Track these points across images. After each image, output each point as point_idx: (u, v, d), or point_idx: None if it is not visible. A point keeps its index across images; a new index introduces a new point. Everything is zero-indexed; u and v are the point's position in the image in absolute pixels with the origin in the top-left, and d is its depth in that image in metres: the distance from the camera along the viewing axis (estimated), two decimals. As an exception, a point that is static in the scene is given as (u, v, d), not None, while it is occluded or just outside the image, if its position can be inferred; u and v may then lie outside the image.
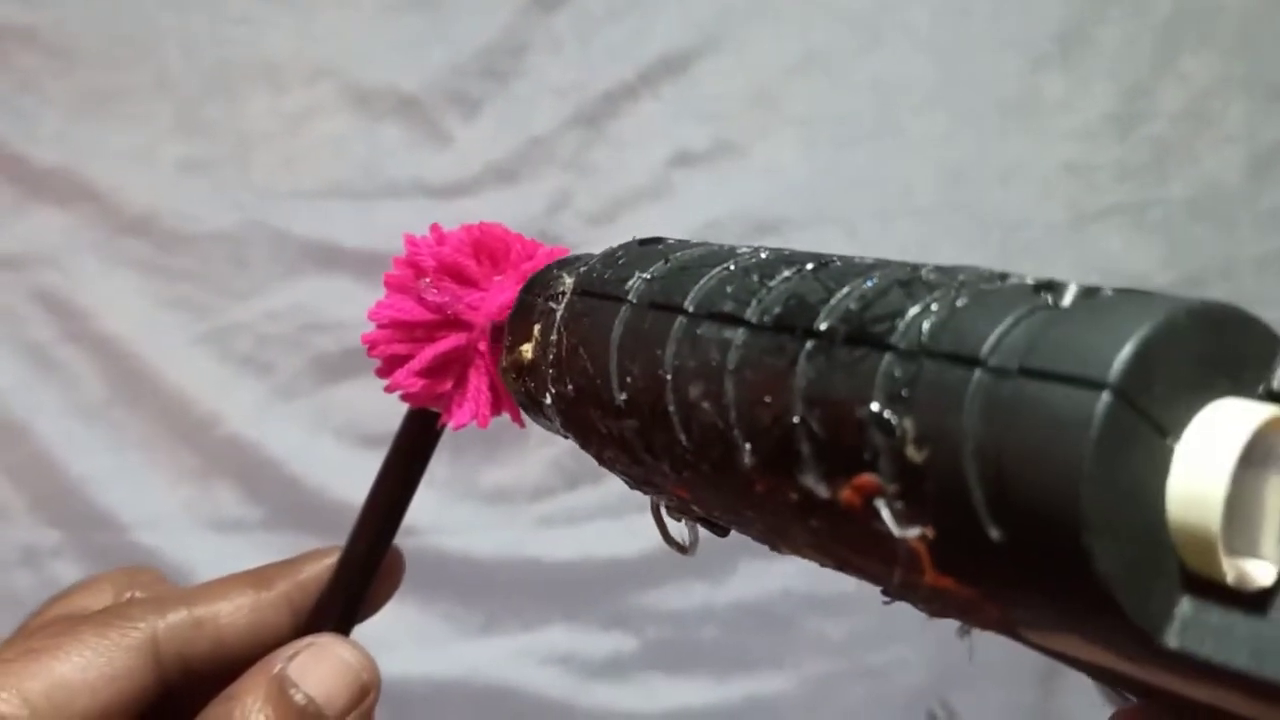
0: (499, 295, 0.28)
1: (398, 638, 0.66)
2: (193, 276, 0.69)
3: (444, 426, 0.28)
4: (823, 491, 0.18)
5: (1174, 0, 0.70)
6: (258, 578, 0.33)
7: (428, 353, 0.27)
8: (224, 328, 0.69)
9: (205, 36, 0.71)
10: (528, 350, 0.25)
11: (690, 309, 0.21)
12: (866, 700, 0.66)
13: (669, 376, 0.21)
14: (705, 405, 0.20)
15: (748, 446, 0.19)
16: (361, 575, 0.31)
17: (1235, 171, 0.69)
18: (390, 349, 0.28)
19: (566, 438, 0.26)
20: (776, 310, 0.19)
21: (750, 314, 0.20)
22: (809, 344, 0.18)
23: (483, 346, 0.27)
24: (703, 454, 0.20)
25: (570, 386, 0.24)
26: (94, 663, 0.29)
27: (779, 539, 0.21)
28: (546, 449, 0.68)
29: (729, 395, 0.19)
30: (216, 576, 0.67)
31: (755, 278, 0.20)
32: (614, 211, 0.70)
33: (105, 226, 0.70)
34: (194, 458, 0.68)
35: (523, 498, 0.68)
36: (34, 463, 0.67)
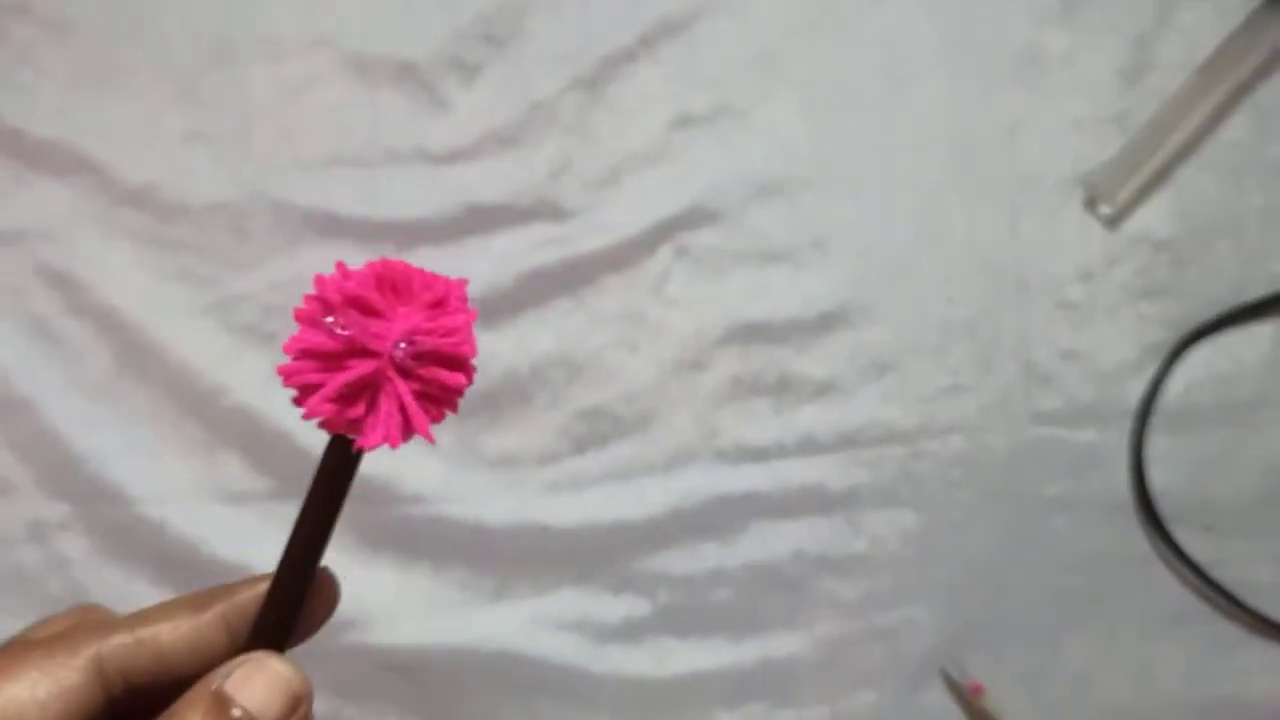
0: (403, 324, 0.30)
1: (410, 607, 0.66)
2: (195, 248, 0.69)
3: (360, 451, 0.30)
4: None
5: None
6: (196, 601, 0.35)
7: (338, 379, 0.30)
8: (227, 299, 0.69)
9: (204, 6, 0.71)
10: None
11: None
12: (880, 661, 0.66)
13: None
14: None
15: None
16: (292, 595, 0.32)
17: (1239, 123, 0.69)
18: (305, 378, 0.30)
19: None
20: None
21: None
22: None
23: (391, 373, 0.30)
24: None
25: None
26: (41, 681, 0.31)
27: None
28: (552, 414, 0.68)
29: None
30: (226, 548, 0.68)
31: None
32: (615, 175, 0.69)
33: (105, 199, 0.69)
34: (200, 430, 0.68)
35: (529, 464, 0.68)
36: (40, 437, 0.67)
